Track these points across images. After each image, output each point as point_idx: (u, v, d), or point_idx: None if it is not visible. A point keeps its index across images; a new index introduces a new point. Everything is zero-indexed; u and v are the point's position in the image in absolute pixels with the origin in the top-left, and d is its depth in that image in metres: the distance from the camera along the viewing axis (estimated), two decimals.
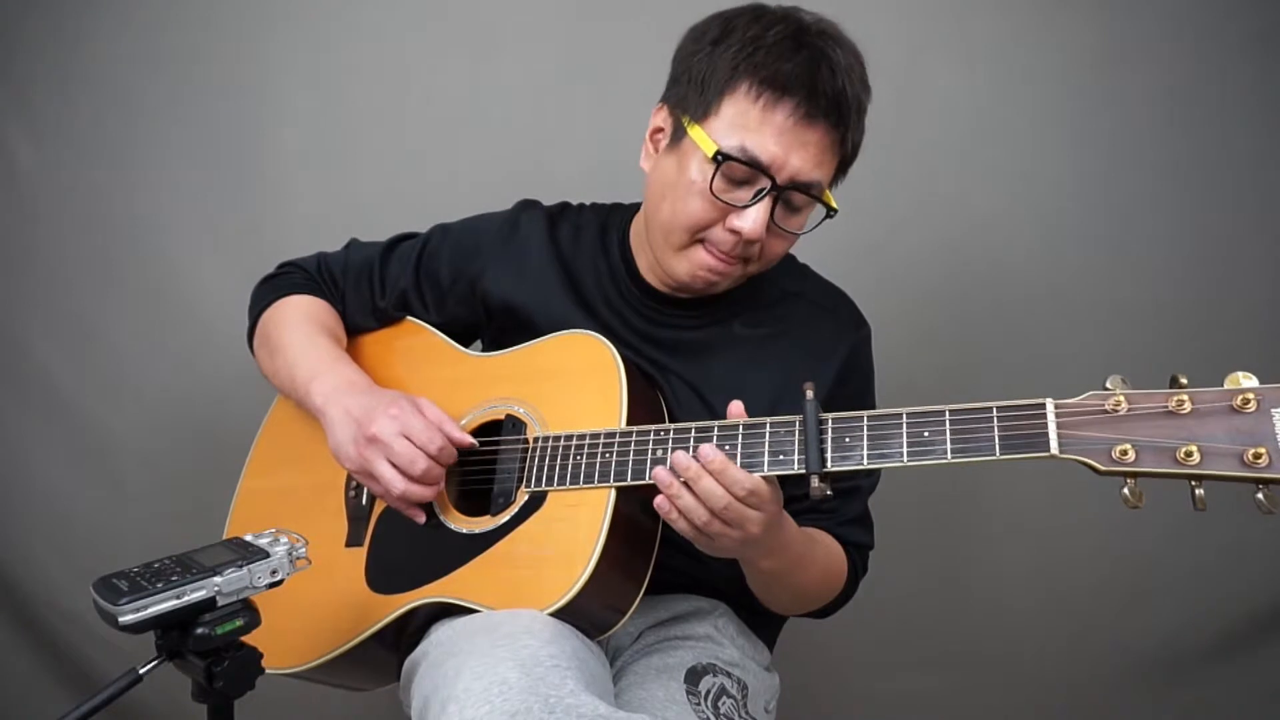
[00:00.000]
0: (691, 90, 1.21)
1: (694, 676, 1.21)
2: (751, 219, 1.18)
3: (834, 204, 1.23)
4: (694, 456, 1.05)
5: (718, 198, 1.19)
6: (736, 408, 1.10)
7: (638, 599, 1.18)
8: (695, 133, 1.20)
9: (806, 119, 1.15)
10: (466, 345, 1.42)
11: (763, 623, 1.39)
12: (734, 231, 1.19)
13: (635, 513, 1.18)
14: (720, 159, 1.17)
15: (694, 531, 1.08)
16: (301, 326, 1.40)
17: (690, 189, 1.20)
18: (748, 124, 1.16)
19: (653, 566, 1.20)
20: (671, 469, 1.07)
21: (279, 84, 1.98)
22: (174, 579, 1.02)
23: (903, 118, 1.86)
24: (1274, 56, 1.79)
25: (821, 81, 1.15)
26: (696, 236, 1.23)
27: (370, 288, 1.45)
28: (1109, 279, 1.85)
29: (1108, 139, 1.84)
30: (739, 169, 1.17)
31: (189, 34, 1.98)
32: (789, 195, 1.19)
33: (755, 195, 1.18)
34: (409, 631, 1.23)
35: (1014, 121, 1.86)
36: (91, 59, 1.98)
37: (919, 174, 1.88)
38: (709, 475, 1.04)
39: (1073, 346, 1.83)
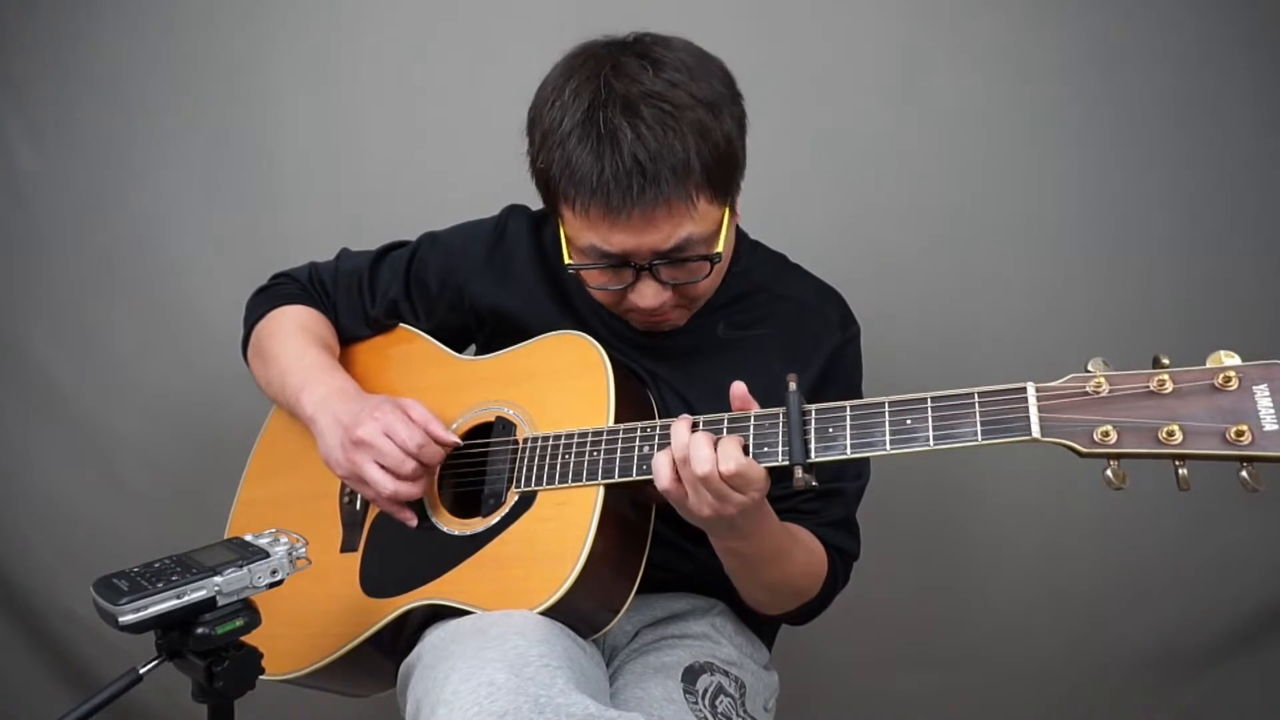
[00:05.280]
0: (539, 190, 1.23)
1: (691, 675, 1.21)
2: (644, 296, 1.20)
3: (718, 248, 1.18)
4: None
5: (605, 288, 1.21)
6: (739, 389, 1.09)
7: (630, 597, 1.18)
8: (560, 233, 1.22)
9: (622, 207, 1.11)
10: (461, 350, 1.43)
11: (761, 621, 1.39)
12: (637, 306, 1.21)
13: (625, 510, 1.18)
14: (574, 270, 1.21)
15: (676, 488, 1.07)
16: (293, 337, 1.41)
17: (585, 284, 1.24)
18: (586, 226, 1.16)
19: (647, 565, 1.20)
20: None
21: (280, 84, 1.98)
22: (174, 579, 1.03)
23: (902, 117, 1.87)
24: (1274, 56, 1.79)
25: (612, 171, 1.10)
26: (621, 308, 1.26)
27: (361, 297, 1.46)
28: (1109, 277, 1.85)
29: (1107, 139, 1.83)
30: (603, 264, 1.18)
31: (190, 35, 1.98)
32: (665, 264, 1.18)
33: (635, 274, 1.19)
34: (404, 635, 1.23)
35: (1013, 121, 1.85)
36: (91, 59, 1.98)
37: (917, 173, 1.88)
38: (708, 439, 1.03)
39: (1072, 346, 1.83)
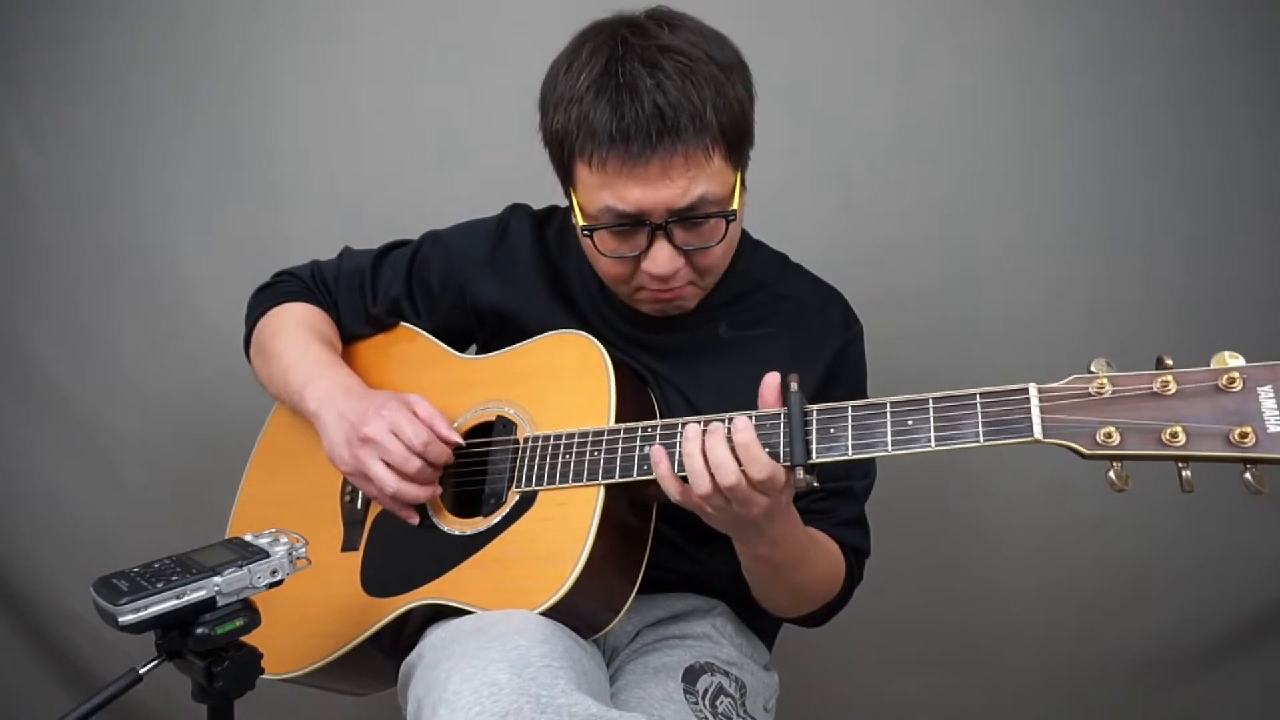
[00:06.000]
0: (552, 159, 1.22)
1: (692, 675, 1.21)
2: (658, 261, 1.19)
3: (734, 205, 1.18)
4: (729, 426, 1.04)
5: (618, 255, 1.20)
6: (773, 380, 1.08)
7: (631, 597, 1.18)
8: (572, 201, 1.21)
9: (640, 158, 1.11)
10: (461, 350, 1.43)
11: (761, 622, 1.39)
12: (650, 275, 1.20)
13: (625, 510, 1.18)
14: (588, 233, 1.19)
15: (691, 502, 1.07)
16: (296, 334, 1.41)
17: (594, 255, 1.23)
18: (602, 183, 1.15)
19: (648, 565, 1.20)
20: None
21: (280, 84, 1.98)
22: (174, 579, 1.02)
23: (902, 117, 1.87)
24: (1274, 56, 1.79)
25: (632, 118, 1.09)
26: (631, 285, 1.25)
27: (362, 295, 1.46)
28: (1110, 277, 1.85)
29: (1107, 139, 1.84)
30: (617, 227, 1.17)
31: (190, 34, 1.98)
32: (680, 223, 1.17)
33: (649, 237, 1.18)
34: (405, 634, 1.23)
35: (1013, 121, 1.86)
36: (91, 59, 1.99)
37: (918, 172, 1.88)
38: (727, 446, 1.03)
39: (1074, 346, 1.84)
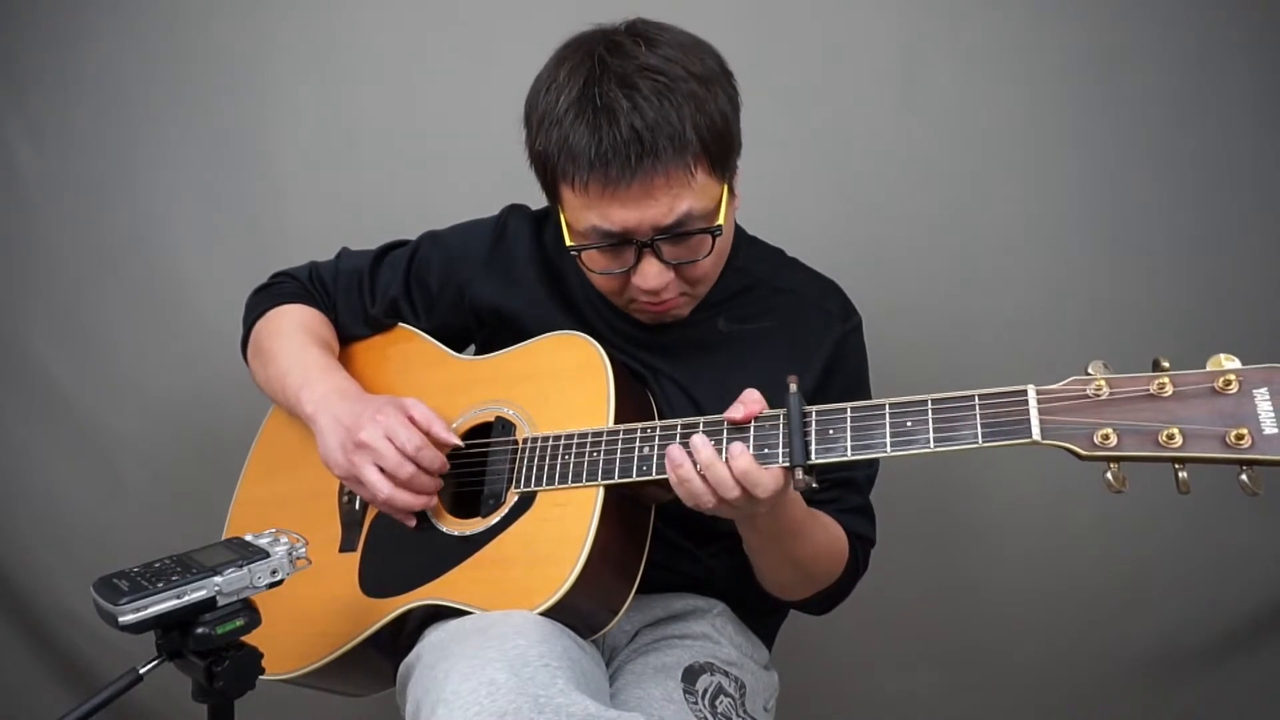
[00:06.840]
0: (537, 176, 1.23)
1: (691, 675, 1.21)
2: (647, 276, 1.19)
3: (720, 220, 1.18)
4: (721, 451, 1.06)
5: (607, 272, 1.21)
6: (753, 395, 1.09)
7: (630, 597, 1.18)
8: (560, 218, 1.22)
9: (620, 179, 1.11)
10: (460, 350, 1.43)
11: (761, 621, 1.39)
12: (641, 289, 1.21)
13: (625, 511, 1.18)
14: (575, 253, 1.20)
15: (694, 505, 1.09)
16: (294, 336, 1.41)
17: (585, 270, 1.24)
18: (586, 205, 1.15)
19: (647, 565, 1.20)
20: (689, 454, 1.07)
21: (280, 83, 1.98)
22: (174, 579, 1.03)
23: (902, 117, 1.87)
24: (1274, 56, 1.79)
25: (610, 142, 1.10)
26: (624, 297, 1.25)
27: (361, 296, 1.46)
28: (1109, 278, 1.85)
29: (1107, 139, 1.84)
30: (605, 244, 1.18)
31: (190, 34, 1.98)
32: (666, 239, 1.17)
33: (636, 254, 1.18)
34: (404, 635, 1.23)
35: (1013, 121, 1.86)
36: (91, 59, 1.99)
37: (917, 173, 1.88)
38: (725, 467, 1.04)
39: (1071, 347, 1.84)
